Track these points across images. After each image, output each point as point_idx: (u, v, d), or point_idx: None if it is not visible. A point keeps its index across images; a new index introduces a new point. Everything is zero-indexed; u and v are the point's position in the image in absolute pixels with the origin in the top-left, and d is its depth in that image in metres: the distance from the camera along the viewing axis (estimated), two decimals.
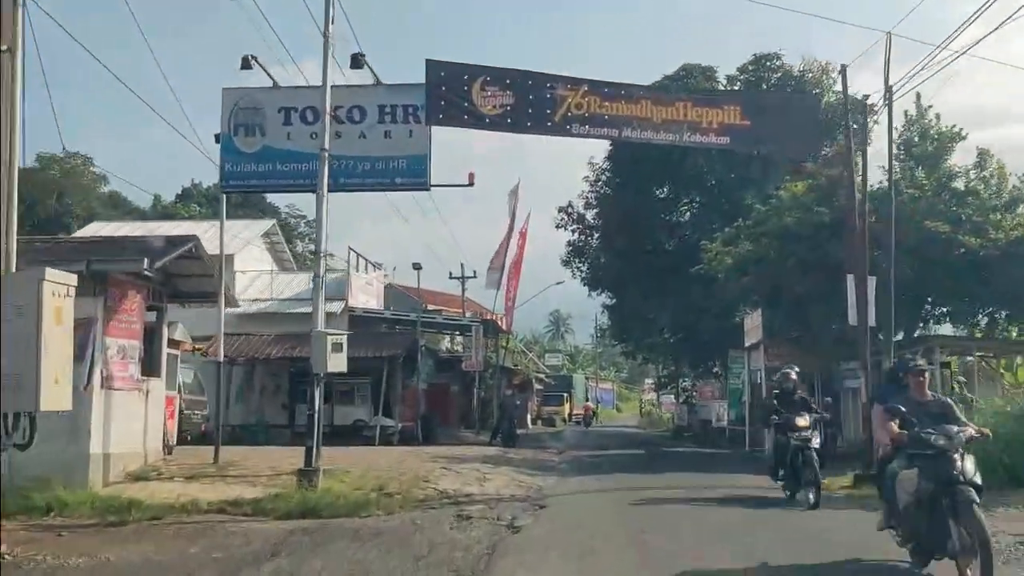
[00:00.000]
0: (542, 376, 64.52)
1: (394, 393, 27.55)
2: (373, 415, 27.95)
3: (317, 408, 12.46)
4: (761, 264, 20.65)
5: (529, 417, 52.98)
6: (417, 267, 27.28)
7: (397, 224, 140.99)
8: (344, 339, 12.67)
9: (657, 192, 32.73)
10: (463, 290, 45.16)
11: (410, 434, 27.33)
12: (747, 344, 24.34)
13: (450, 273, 45.60)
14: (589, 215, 35.56)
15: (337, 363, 12.44)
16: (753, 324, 23.22)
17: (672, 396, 49.88)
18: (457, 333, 39.29)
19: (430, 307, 39.38)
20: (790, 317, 21.06)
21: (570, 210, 35.55)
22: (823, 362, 21.93)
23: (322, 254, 12.80)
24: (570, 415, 60.51)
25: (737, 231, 22.01)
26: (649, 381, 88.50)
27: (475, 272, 44.66)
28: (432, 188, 14.18)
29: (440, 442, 27.14)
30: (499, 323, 39.12)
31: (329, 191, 13.41)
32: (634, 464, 19.94)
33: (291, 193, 36.03)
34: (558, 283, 63.69)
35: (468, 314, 38.08)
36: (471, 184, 14.05)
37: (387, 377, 27.09)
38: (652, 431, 49.29)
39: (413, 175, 13.99)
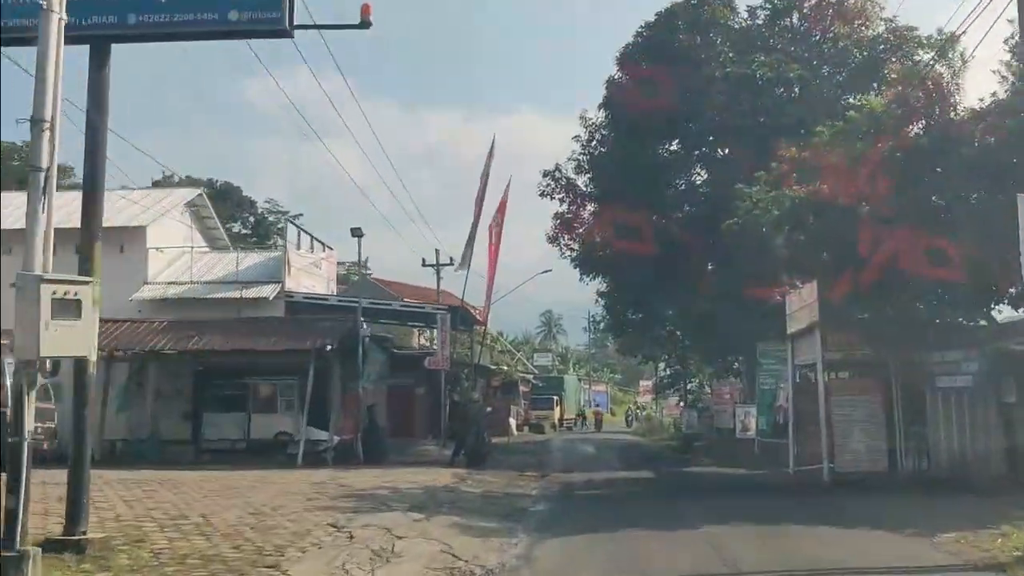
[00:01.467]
0: (529, 378, 58.30)
1: (329, 398, 21.26)
2: (302, 426, 21.67)
3: (25, 428, 6.12)
4: (825, 215, 14.43)
5: (514, 423, 46.95)
6: (357, 233, 20.74)
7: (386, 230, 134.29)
8: (89, 293, 6.32)
9: (664, 149, 26.46)
10: (438, 279, 38.90)
11: (350, 451, 21.08)
12: (791, 331, 18.15)
13: (423, 260, 39.32)
14: (580, 181, 29.13)
15: (69, 342, 6.16)
16: (803, 302, 17.01)
17: (677, 398, 43.67)
18: (423, 326, 33.02)
19: (407, 301, 33.16)
20: (856, 292, 14.85)
21: (557, 175, 29.10)
22: (903, 353, 15.76)
23: (44, 126, 6.36)
24: (561, 420, 54.36)
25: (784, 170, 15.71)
26: (646, 382, 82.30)
27: (452, 259, 38.49)
28: (297, 30, 7.90)
29: (387, 462, 20.90)
30: (474, 314, 32.86)
31: (106, 33, 7.22)
32: (649, 503, 13.60)
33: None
34: (545, 271, 57.54)
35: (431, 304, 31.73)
36: (366, 25, 7.83)
37: (316, 376, 20.84)
38: (651, 439, 43.03)
39: (258, 6, 7.75)
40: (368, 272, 51.91)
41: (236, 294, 27.11)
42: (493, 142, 27.45)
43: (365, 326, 22.31)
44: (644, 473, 19.10)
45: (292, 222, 27.83)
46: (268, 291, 27.34)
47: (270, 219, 60.47)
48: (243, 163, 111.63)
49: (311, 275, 30.27)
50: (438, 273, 39.24)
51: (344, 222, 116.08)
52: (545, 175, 28.82)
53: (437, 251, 39.36)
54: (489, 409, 21.29)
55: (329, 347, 19.46)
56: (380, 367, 23.25)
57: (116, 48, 8.05)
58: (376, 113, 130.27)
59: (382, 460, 20.96)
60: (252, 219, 58.60)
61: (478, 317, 33.19)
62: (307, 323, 21.68)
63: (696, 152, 25.98)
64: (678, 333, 33.68)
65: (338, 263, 43.69)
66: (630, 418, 58.96)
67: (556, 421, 53.10)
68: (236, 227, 53.87)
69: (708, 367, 35.15)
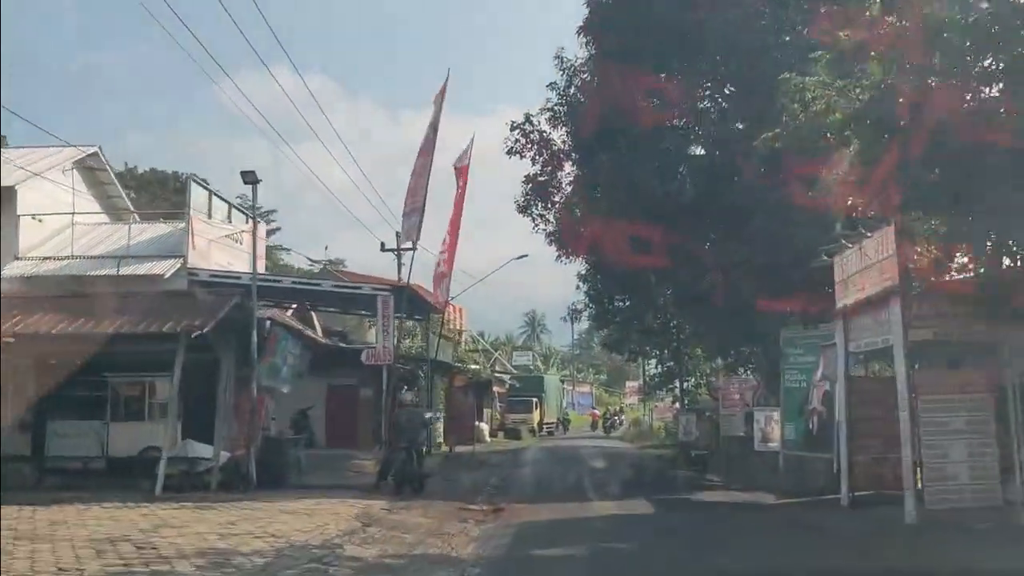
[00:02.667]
0: (506, 378, 52.86)
1: (217, 401, 15.75)
2: (178, 439, 16.19)
3: None
4: (926, 113, 9.09)
5: (486, 429, 41.53)
6: (250, 179, 15.20)
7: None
8: None
9: (657, 82, 21.01)
10: (399, 265, 33.34)
11: (246, 471, 15.59)
12: (845, 303, 12.88)
13: (382, 244, 33.71)
14: (557, 136, 23.72)
15: None
16: (867, 260, 11.71)
17: (670, 399, 38.32)
18: (365, 314, 27.50)
19: (339, 282, 27.59)
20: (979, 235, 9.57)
21: (528, 128, 23.69)
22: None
23: None
24: (540, 424, 48.91)
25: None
26: (632, 383, 76.92)
27: (414, 243, 32.95)
28: None
29: (288, 486, 15.48)
30: (428, 298, 27.42)
31: None
32: None
33: None
34: (520, 256, 51.88)
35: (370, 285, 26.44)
36: None
37: (199, 372, 15.40)
38: (639, 445, 37.78)
39: None
40: (324, 262, 46.72)
41: (129, 270, 21.68)
42: (446, 80, 21.86)
43: (290, 312, 16.82)
44: (639, 504, 13.69)
45: (198, 181, 22.29)
46: (164, 267, 21.85)
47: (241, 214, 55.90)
48: (221, 162, 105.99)
49: (230, 251, 24.74)
50: (399, 258, 33.65)
51: (320, 222, 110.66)
52: (513, 128, 23.36)
53: (398, 233, 33.85)
54: (430, 415, 15.78)
55: (200, 331, 13.91)
56: (296, 362, 17.79)
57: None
58: (356, 113, 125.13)
59: (283, 483, 15.52)
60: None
61: (434, 303, 27.75)
62: (184, 300, 16.08)
63: (705, 84, 20.50)
64: (673, 324, 28.39)
65: (322, 261, 38.02)
66: (609, 422, 52.38)
67: (535, 426, 47.68)
68: None
69: (710, 362, 29.89)
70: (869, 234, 11.51)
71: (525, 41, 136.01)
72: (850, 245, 12.46)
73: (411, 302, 25.35)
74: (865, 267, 12.00)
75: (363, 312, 26.95)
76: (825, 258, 13.37)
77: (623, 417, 55.42)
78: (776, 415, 17.85)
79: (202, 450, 15.84)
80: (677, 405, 37.40)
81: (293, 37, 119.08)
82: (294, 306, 30.89)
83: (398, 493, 14.33)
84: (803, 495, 14.90)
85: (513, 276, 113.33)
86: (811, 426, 16.78)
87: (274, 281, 21.14)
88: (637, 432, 44.67)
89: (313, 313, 38.34)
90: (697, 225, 18.98)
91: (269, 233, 53.39)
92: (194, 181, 22.29)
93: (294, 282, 21.55)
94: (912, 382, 11.00)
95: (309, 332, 34.45)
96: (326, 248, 57.61)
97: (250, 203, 51.64)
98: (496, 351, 64.19)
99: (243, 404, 15.85)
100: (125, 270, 21.61)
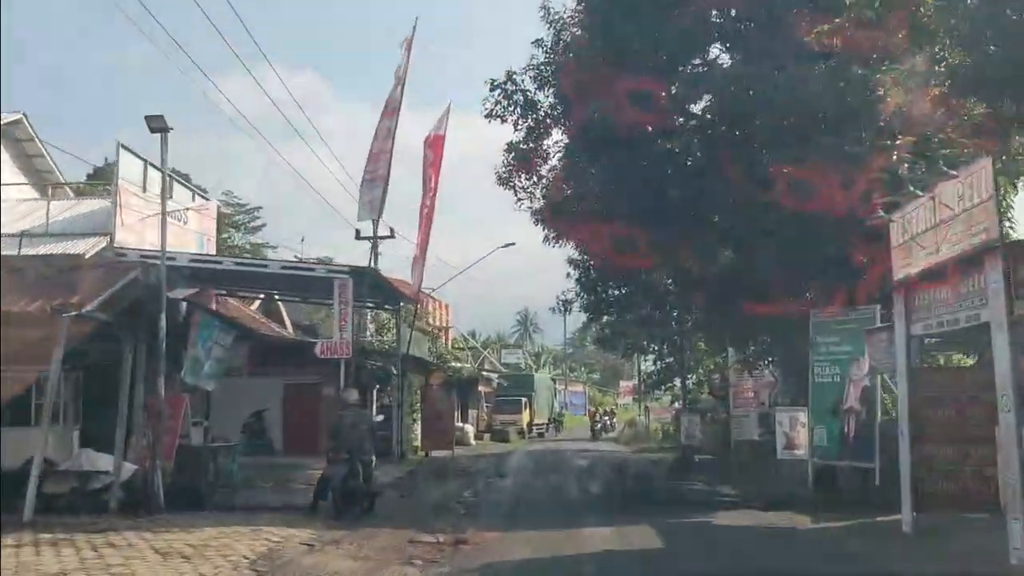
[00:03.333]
0: (493, 376, 49.90)
1: (122, 402, 12.71)
2: (74, 448, 13.17)
3: None
4: None
5: (471, 431, 38.58)
6: (157, 125, 12.05)
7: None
8: None
9: (660, 34, 17.96)
10: (374, 254, 30.25)
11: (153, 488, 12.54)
12: (905, 272, 9.95)
13: (356, 232, 30.62)
14: (543, 97, 20.68)
15: None
16: (952, 208, 8.74)
17: (670, 399, 35.43)
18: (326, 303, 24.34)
19: (287, 261, 24.49)
20: None
21: (510, 87, 20.62)
22: None
23: None
24: (530, 425, 45.91)
25: None
26: (626, 383, 73.90)
27: (392, 230, 29.96)
28: None
29: (212, 506, 12.49)
30: (402, 287, 24.43)
31: None
32: None
33: None
34: (507, 245, 49.22)
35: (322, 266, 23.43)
36: None
37: (100, 366, 12.38)
38: (635, 448, 34.84)
39: None
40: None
41: (46, 249, 18.63)
42: (414, 27, 18.79)
43: (256, 305, 13.80)
44: (642, 532, 10.67)
45: (128, 149, 19.16)
46: (86, 246, 18.79)
47: (225, 211, 52.97)
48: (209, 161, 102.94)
49: (172, 231, 21.60)
50: (375, 247, 30.66)
51: (302, 222, 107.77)
52: (494, 87, 20.29)
53: (375, 221, 30.82)
54: (381, 418, 12.78)
55: (77, 312, 10.86)
56: (226, 355, 14.76)
57: None
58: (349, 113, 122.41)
59: (200, 503, 12.49)
60: None
61: (409, 293, 24.76)
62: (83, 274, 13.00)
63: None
64: (675, 314, 25.34)
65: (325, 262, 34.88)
66: (598, 426, 46.19)
67: (525, 427, 44.73)
68: None
69: (713, 357, 26.89)
70: (954, 172, 8.53)
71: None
72: (920, 193, 9.49)
73: (379, 289, 22.35)
74: (941, 221, 9.04)
75: (325, 301, 23.90)
76: (882, 214, 10.42)
77: (614, 420, 51.77)
78: (802, 416, 14.88)
79: (102, 462, 12.80)
80: (676, 405, 34.46)
81: (283, 36, 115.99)
82: (261, 297, 27.93)
83: (338, 517, 11.31)
84: (841, 514, 11.98)
85: (511, 275, 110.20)
86: (847, 429, 13.89)
87: (213, 263, 18.03)
88: (633, 434, 41.70)
89: (281, 305, 35.44)
90: (708, 191, 15.93)
91: (251, 229, 50.49)
92: (124, 148, 19.15)
93: (236, 263, 18.43)
94: (1017, 371, 8.03)
95: (275, 326, 31.53)
96: (302, 240, 54.30)
97: (237, 200, 46.90)
98: (485, 350, 61.18)
99: (152, 406, 12.79)
100: (43, 249, 18.57)
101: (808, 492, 14.19)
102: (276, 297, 25.56)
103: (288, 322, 34.39)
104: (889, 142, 12.67)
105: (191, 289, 13.85)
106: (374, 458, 12.11)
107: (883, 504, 12.03)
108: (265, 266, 19.49)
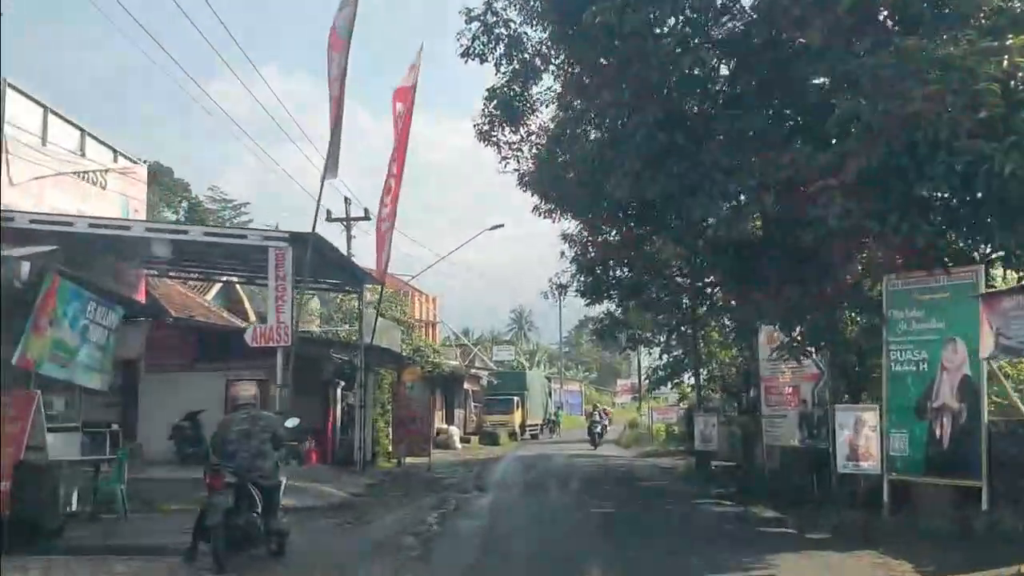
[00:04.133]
0: (483, 374, 46.24)
1: None
2: None
3: None
4: None
5: (457, 433, 34.95)
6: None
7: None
8: None
9: None
10: (348, 237, 26.64)
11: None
12: None
13: (328, 213, 26.98)
14: (533, 32, 16.97)
15: None
16: None
17: (677, 397, 31.71)
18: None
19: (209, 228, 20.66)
20: None
21: (491, 19, 16.86)
22: None
23: None
24: (523, 427, 42.14)
25: None
26: (623, 381, 70.10)
27: (367, 211, 26.38)
28: None
29: (57, 545, 8.81)
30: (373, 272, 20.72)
31: None
32: None
33: None
34: (495, 227, 45.40)
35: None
36: None
37: None
38: (638, 452, 31.25)
39: None
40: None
41: None
42: None
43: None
44: None
45: (16, 88, 15.39)
46: None
47: (210, 207, 49.76)
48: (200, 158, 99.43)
49: (84, 194, 17.89)
50: (348, 229, 27.10)
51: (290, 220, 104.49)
52: (471, 19, 16.60)
53: (347, 199, 27.27)
54: (297, 422, 9.04)
55: None
56: (107, 339, 11.07)
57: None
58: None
59: (43, 537, 8.80)
60: (185, 204, 48.01)
61: (374, 273, 21.04)
62: None
63: None
64: (686, 301, 21.63)
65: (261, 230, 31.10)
66: (595, 431, 38.11)
67: (517, 428, 41.10)
68: (167, 212, 44.15)
69: (729, 349, 23.21)
70: None
71: None
72: None
73: (336, 268, 18.64)
74: None
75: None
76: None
77: (607, 421, 44.00)
78: (872, 417, 11.18)
79: None
80: (684, 404, 30.70)
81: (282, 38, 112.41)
82: (195, 277, 24.18)
83: (220, 570, 7.62)
84: (946, 552, 8.39)
85: (508, 275, 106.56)
86: (938, 435, 10.25)
87: (119, 228, 14.29)
88: (634, 436, 38.05)
89: (242, 294, 31.66)
90: (744, 125, 12.19)
91: (195, 206, 47.31)
92: (11, 87, 15.41)
93: (148, 229, 14.66)
94: None
95: (238, 320, 27.81)
96: (276, 225, 50.69)
97: (224, 196, 42.08)
98: (476, 347, 57.41)
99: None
100: None
101: (882, 519, 10.57)
102: (216, 278, 21.85)
103: (252, 312, 30.67)
104: (996, 43, 9.34)
105: (41, 247, 10.08)
106: (282, 480, 8.43)
107: (998, 538, 8.55)
108: (185, 232, 15.69)
